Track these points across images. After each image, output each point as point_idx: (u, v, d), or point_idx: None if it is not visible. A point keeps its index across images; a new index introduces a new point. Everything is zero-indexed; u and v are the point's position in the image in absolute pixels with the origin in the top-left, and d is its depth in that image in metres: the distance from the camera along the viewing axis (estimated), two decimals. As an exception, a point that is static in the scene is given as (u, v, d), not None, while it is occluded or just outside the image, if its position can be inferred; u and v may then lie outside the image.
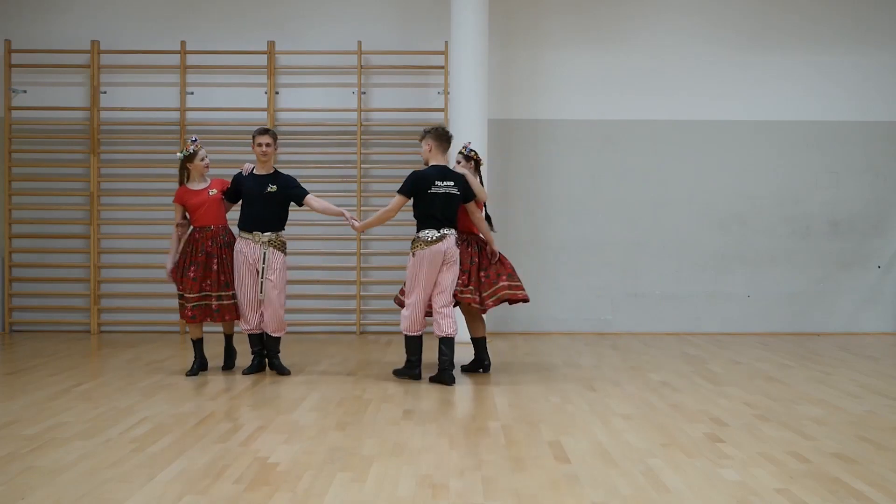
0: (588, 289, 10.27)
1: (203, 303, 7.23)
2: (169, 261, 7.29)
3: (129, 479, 4.32)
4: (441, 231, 6.89)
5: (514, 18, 10.24)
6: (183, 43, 10.10)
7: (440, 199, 6.90)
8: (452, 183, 6.95)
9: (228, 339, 7.59)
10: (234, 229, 7.42)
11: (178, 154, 7.35)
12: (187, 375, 7.22)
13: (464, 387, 6.94)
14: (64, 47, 10.12)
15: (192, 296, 7.17)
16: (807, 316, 10.28)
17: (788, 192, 10.31)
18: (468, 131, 9.30)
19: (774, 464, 4.61)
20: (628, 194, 10.27)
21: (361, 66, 10.06)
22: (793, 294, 10.29)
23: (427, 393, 6.60)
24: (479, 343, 7.48)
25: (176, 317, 10.05)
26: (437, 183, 6.90)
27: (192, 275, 7.17)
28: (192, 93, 10.17)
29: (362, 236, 10.02)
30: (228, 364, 7.58)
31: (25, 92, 10.18)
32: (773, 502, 4.00)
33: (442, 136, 7.03)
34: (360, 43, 10.02)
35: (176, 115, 10.14)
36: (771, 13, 10.28)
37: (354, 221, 7.31)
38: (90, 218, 10.08)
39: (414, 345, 7.09)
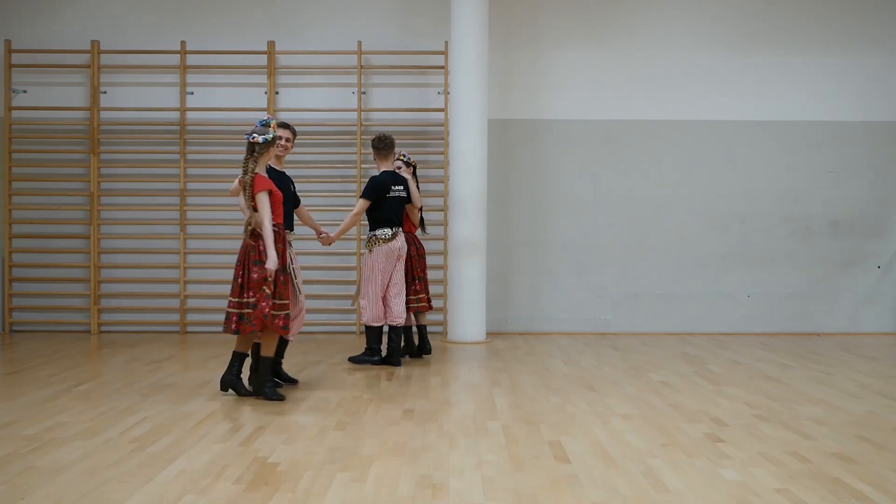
0: (588, 289, 10.27)
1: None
2: (275, 258, 6.05)
3: (129, 479, 4.32)
4: (393, 230, 7.71)
5: (514, 18, 10.24)
6: (183, 43, 10.10)
7: (395, 203, 7.75)
8: (402, 187, 7.83)
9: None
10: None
11: (263, 137, 6.07)
12: (273, 398, 6.17)
13: (464, 387, 6.94)
14: (64, 47, 10.12)
15: (284, 303, 6.19)
16: (807, 316, 10.28)
17: (788, 192, 10.31)
18: (468, 131, 9.32)
19: (774, 464, 4.61)
20: (628, 194, 10.27)
21: (361, 66, 10.06)
22: (793, 294, 10.28)
23: (427, 393, 6.60)
24: (423, 330, 8.32)
25: (176, 316, 10.09)
26: (393, 188, 7.74)
27: (282, 278, 6.20)
28: (192, 93, 10.17)
29: (362, 236, 10.02)
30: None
31: (25, 92, 10.18)
32: (773, 502, 4.00)
33: (377, 146, 7.78)
34: (360, 43, 10.01)
35: (176, 115, 10.14)
36: (771, 13, 10.27)
37: (329, 234, 7.51)
38: (90, 218, 10.08)
39: (376, 334, 7.78)
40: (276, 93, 10.18)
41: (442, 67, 10.06)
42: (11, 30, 10.15)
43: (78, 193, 10.16)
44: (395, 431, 5.33)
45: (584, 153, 10.27)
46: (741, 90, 10.26)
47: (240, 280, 6.15)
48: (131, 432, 5.25)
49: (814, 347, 9.15)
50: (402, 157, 8.16)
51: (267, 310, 6.03)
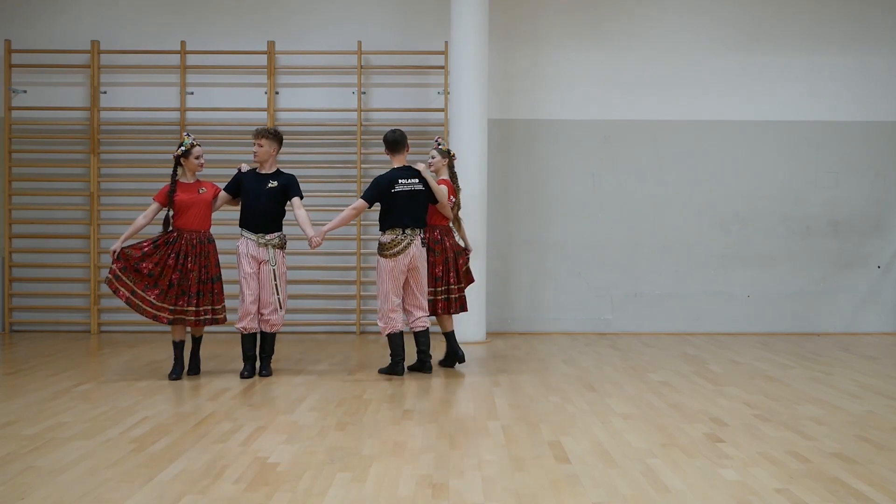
0: (588, 289, 10.27)
1: None
2: None
3: (129, 479, 4.32)
4: (403, 233, 7.24)
5: (514, 18, 10.24)
6: (183, 43, 10.10)
7: (404, 198, 7.26)
8: (416, 180, 7.29)
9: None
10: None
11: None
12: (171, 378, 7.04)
13: (464, 387, 6.94)
14: (64, 47, 10.12)
15: None
16: (807, 316, 10.28)
17: (788, 192, 10.31)
18: (468, 131, 9.33)
19: (774, 464, 4.61)
20: (628, 194, 10.27)
21: (361, 66, 10.06)
22: (793, 294, 10.28)
23: (427, 393, 6.60)
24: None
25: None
26: (400, 181, 7.26)
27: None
28: (192, 93, 10.17)
29: (363, 236, 10.03)
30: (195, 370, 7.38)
31: (25, 92, 10.18)
32: (773, 502, 4.00)
33: (385, 145, 7.40)
34: (360, 43, 10.01)
35: (176, 115, 10.14)
36: (771, 13, 10.27)
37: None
38: (90, 218, 10.08)
39: (394, 342, 7.33)
40: (276, 93, 10.18)
41: (442, 67, 10.06)
42: (11, 30, 10.15)
43: (78, 193, 10.16)
44: (395, 431, 5.33)
45: (584, 153, 10.27)
46: (741, 90, 10.25)
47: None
48: (131, 432, 5.25)
49: (814, 347, 9.15)
50: (436, 145, 7.70)
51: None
